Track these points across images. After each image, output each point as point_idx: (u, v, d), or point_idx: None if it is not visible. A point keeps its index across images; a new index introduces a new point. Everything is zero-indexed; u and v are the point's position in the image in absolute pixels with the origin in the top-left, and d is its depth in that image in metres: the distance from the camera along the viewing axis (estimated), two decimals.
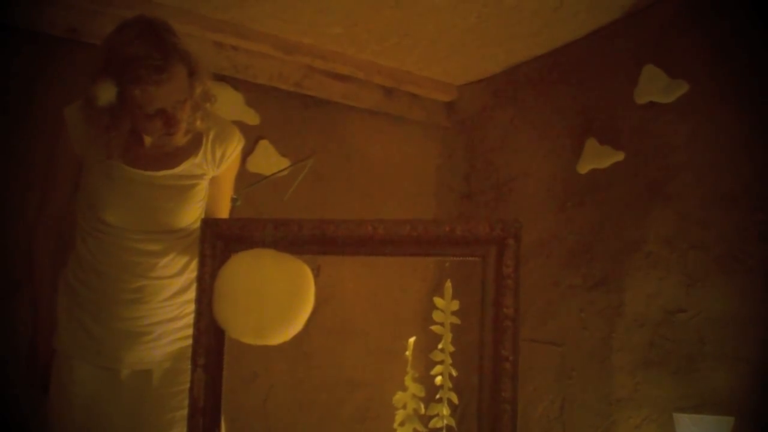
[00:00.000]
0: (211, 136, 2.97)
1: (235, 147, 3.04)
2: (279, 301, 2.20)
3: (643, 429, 3.89)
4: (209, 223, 2.34)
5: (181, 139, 2.85)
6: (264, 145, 4.65)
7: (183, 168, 2.94)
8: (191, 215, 3.00)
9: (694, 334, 3.77)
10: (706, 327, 3.73)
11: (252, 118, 4.63)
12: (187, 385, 3.03)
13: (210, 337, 2.25)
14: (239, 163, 3.12)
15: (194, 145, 2.95)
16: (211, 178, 3.04)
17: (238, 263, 2.23)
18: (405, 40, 4.62)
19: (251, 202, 2.50)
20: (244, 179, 4.30)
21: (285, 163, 4.59)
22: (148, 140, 2.89)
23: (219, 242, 2.29)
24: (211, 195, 3.08)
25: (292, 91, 4.79)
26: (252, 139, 4.62)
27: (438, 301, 2.32)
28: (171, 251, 3.00)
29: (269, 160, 4.61)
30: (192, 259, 3.07)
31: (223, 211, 3.16)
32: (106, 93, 2.68)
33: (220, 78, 4.52)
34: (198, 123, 2.88)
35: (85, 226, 3.00)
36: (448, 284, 2.32)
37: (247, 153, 4.57)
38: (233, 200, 2.37)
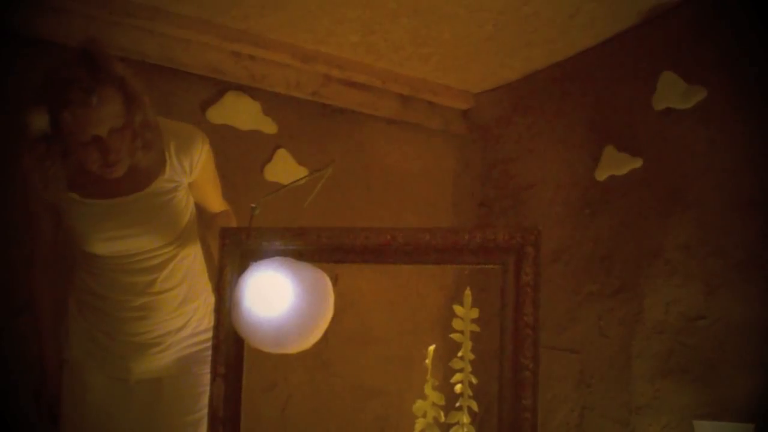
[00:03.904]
0: (172, 150, 2.91)
1: (200, 150, 2.98)
2: (298, 310, 2.20)
3: None
4: (228, 233, 2.34)
5: (121, 170, 2.76)
6: (282, 154, 4.66)
7: (153, 187, 2.90)
8: (177, 226, 3.00)
9: (714, 341, 3.75)
10: (725, 334, 3.71)
11: (269, 127, 4.64)
12: (198, 390, 3.07)
13: (229, 347, 2.26)
14: (213, 158, 3.06)
15: (158, 162, 2.89)
16: (189, 183, 3.01)
17: (257, 272, 2.23)
18: (422, 48, 4.63)
19: (269, 211, 2.50)
20: (262, 188, 4.33)
21: (303, 171, 4.60)
22: None
23: (238, 252, 2.30)
24: (198, 195, 3.08)
25: (310, 100, 4.80)
26: (270, 148, 4.64)
27: (458, 308, 2.32)
28: (168, 263, 3.02)
29: (287, 169, 4.62)
30: (192, 263, 3.08)
31: (217, 204, 3.16)
32: (39, 120, 2.63)
33: (238, 87, 4.54)
34: (139, 154, 2.78)
35: (78, 257, 3.02)
36: (468, 292, 2.32)
37: (264, 162, 4.59)
38: (252, 209, 2.36)
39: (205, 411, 2.98)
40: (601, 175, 4.39)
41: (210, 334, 3.06)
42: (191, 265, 3.11)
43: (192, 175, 2.98)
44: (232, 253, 2.28)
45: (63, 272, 3.10)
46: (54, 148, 2.69)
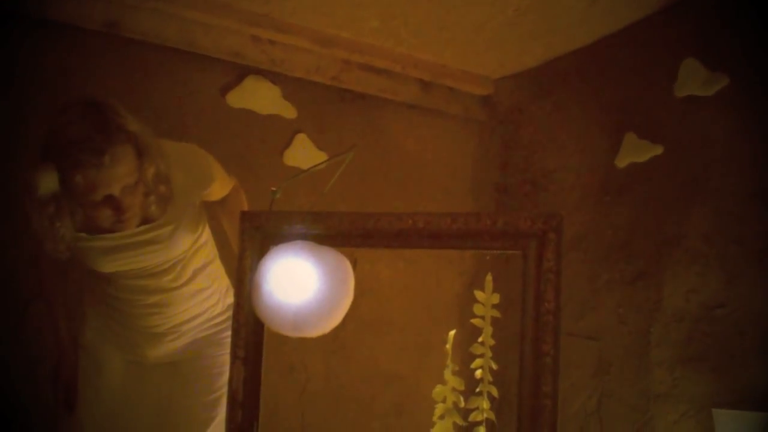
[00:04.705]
0: (180, 181, 2.82)
1: (209, 176, 2.92)
2: (319, 294, 2.19)
3: (682, 425, 3.87)
4: (249, 216, 2.34)
5: (134, 224, 2.72)
6: (301, 138, 4.66)
7: (163, 219, 2.84)
8: (188, 240, 2.97)
9: (734, 329, 3.73)
10: (745, 322, 3.70)
11: (289, 111, 4.65)
12: (213, 371, 3.10)
13: (249, 330, 2.25)
14: (220, 168, 3.00)
15: (167, 197, 2.81)
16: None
17: (278, 256, 2.23)
18: (442, 33, 4.62)
19: (289, 196, 2.49)
20: (281, 173, 4.33)
21: (322, 156, 4.61)
22: None
23: (258, 235, 2.29)
24: (208, 196, 3.03)
25: (329, 85, 4.80)
26: (289, 132, 4.64)
27: (479, 294, 2.31)
28: (178, 265, 3.00)
29: (306, 154, 4.62)
30: (203, 254, 3.07)
31: (225, 190, 3.08)
32: (48, 181, 2.51)
33: (258, 72, 4.53)
34: (153, 208, 2.73)
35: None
36: (489, 277, 2.31)
37: (284, 146, 4.59)
38: (272, 192, 2.36)
39: (222, 392, 3.03)
40: (622, 162, 4.37)
41: (224, 317, 3.11)
42: (202, 257, 3.09)
43: (205, 191, 2.95)
44: (253, 237, 2.27)
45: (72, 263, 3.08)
46: (63, 207, 2.61)
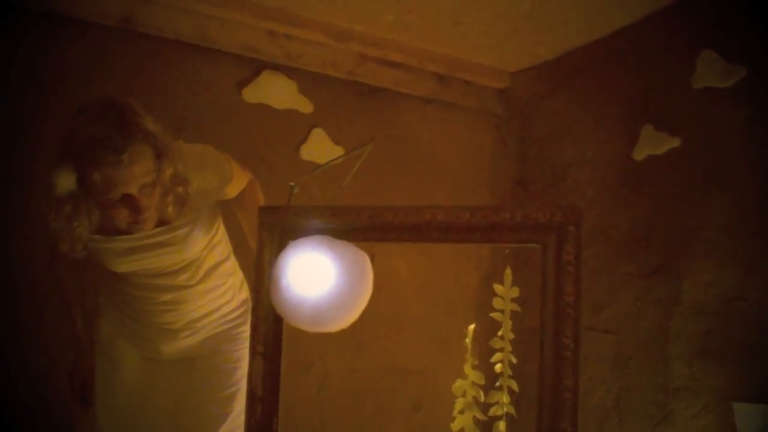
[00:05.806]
0: (196, 186, 2.79)
1: (226, 180, 2.91)
2: (337, 289, 2.19)
3: (701, 418, 3.85)
4: (267, 211, 2.33)
5: (150, 226, 2.70)
6: (317, 133, 4.66)
7: (179, 221, 2.82)
8: (203, 241, 2.96)
9: (753, 322, 3.72)
10: (765, 315, 3.68)
11: (305, 106, 4.65)
12: (228, 367, 3.10)
13: (268, 325, 2.25)
14: (239, 168, 2.99)
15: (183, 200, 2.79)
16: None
17: (296, 250, 2.22)
18: (458, 26, 4.60)
19: (307, 190, 2.49)
20: (298, 167, 4.33)
21: (338, 151, 4.61)
22: None
23: (276, 230, 2.28)
24: (230, 195, 3.02)
25: (345, 79, 4.80)
26: (306, 127, 4.63)
27: (498, 287, 2.30)
28: (191, 266, 2.99)
29: (323, 148, 4.62)
30: (217, 252, 3.06)
31: (241, 186, 3.05)
32: (66, 180, 2.50)
33: (274, 66, 4.53)
34: (170, 209, 2.71)
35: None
36: (508, 271, 2.30)
37: (300, 141, 4.59)
38: (290, 187, 2.35)
39: (237, 387, 3.04)
40: (639, 154, 4.36)
41: (238, 312, 3.13)
42: (216, 255, 3.08)
43: (219, 196, 2.95)
44: (271, 232, 2.27)
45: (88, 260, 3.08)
46: (80, 206, 2.61)
